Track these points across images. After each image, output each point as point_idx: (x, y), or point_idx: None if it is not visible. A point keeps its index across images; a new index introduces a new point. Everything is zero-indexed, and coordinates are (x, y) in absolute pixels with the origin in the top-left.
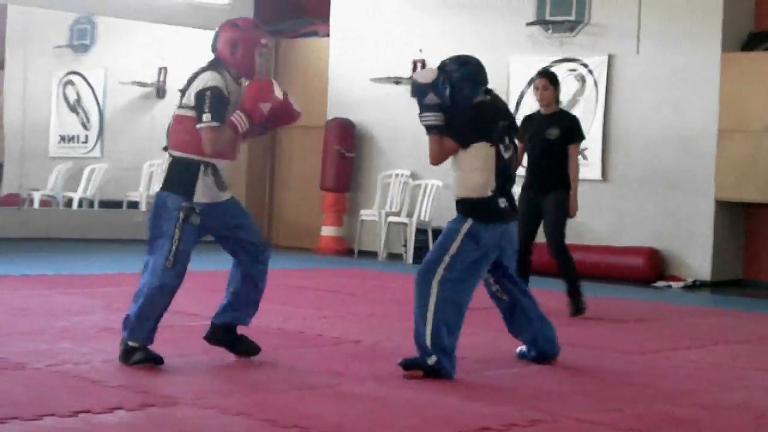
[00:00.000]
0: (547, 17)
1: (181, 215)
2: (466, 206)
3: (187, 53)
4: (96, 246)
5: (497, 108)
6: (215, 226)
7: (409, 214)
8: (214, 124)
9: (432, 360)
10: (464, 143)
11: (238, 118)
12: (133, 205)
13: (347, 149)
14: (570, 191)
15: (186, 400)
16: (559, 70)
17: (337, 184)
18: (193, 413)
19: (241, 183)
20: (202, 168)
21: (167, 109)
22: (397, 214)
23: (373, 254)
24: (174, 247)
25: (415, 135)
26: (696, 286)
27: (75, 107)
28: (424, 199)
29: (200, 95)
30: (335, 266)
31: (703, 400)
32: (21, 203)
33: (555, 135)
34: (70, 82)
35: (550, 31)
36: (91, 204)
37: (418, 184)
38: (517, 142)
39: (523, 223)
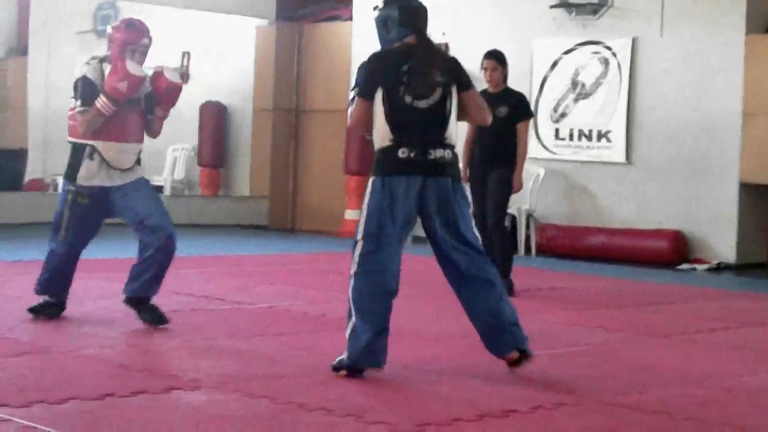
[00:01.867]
0: (571, 0)
1: (69, 197)
2: (374, 163)
3: (209, 38)
4: (120, 230)
5: (406, 50)
6: (115, 210)
7: None
8: (81, 108)
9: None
10: (364, 95)
11: (100, 100)
12: (158, 189)
13: (370, 132)
14: (515, 168)
15: (209, 384)
16: (583, 53)
17: (360, 167)
18: (217, 397)
19: (264, 168)
20: (86, 151)
21: (190, 94)
22: None
23: None
24: (63, 227)
25: None
26: (720, 268)
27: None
28: None
29: (74, 85)
30: None
31: (728, 383)
32: (45, 188)
33: (504, 113)
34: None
35: (573, 14)
36: None
37: None
38: (446, 90)
39: (476, 200)
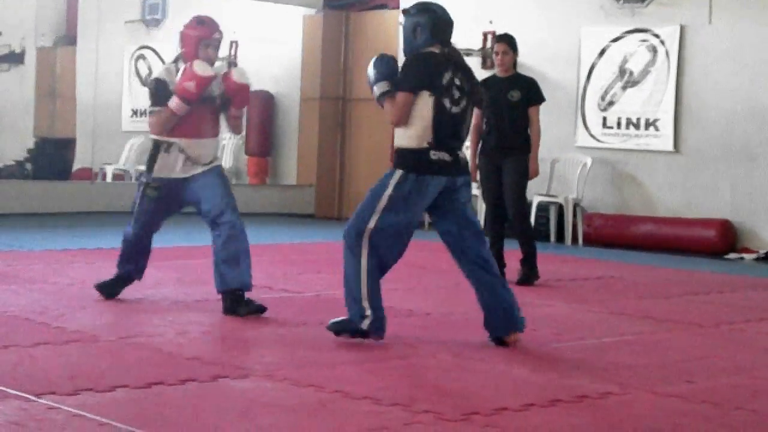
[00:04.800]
0: None
1: (142, 188)
2: (399, 157)
3: (257, 27)
4: (168, 219)
5: (446, 59)
6: (184, 200)
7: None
8: (152, 109)
9: (365, 323)
10: (410, 89)
11: (173, 101)
12: None
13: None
14: (530, 154)
15: (257, 372)
16: (631, 41)
17: None
18: (265, 385)
19: (311, 156)
20: (163, 146)
21: None
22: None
23: None
24: (135, 211)
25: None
26: None
27: (147, 82)
28: None
29: (148, 87)
30: None
31: None
32: (94, 177)
33: (517, 97)
34: (142, 57)
35: (621, 2)
36: None
37: None
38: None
39: (486, 186)
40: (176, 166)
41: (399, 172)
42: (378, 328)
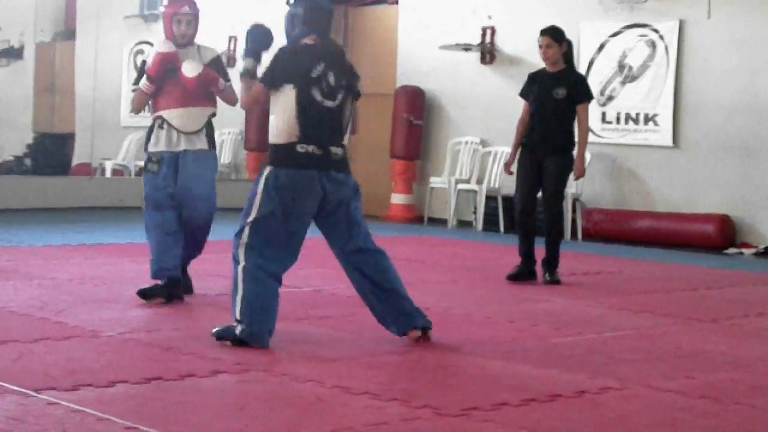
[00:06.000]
0: None
1: (143, 164)
2: (269, 153)
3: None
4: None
5: (320, 51)
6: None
7: (479, 181)
8: (133, 88)
9: (239, 330)
10: (267, 83)
11: (143, 80)
12: None
13: (416, 117)
14: (576, 153)
15: (257, 367)
16: (630, 36)
17: (406, 151)
18: (264, 380)
19: None
20: (156, 121)
21: (237, 78)
22: (467, 181)
23: (443, 222)
24: (144, 195)
25: (485, 102)
26: None
27: None
28: (493, 166)
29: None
30: (405, 234)
31: None
32: (93, 172)
33: (562, 94)
34: (141, 52)
35: None
36: None
37: (488, 151)
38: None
39: (522, 180)
40: (169, 140)
41: (268, 168)
42: (252, 334)
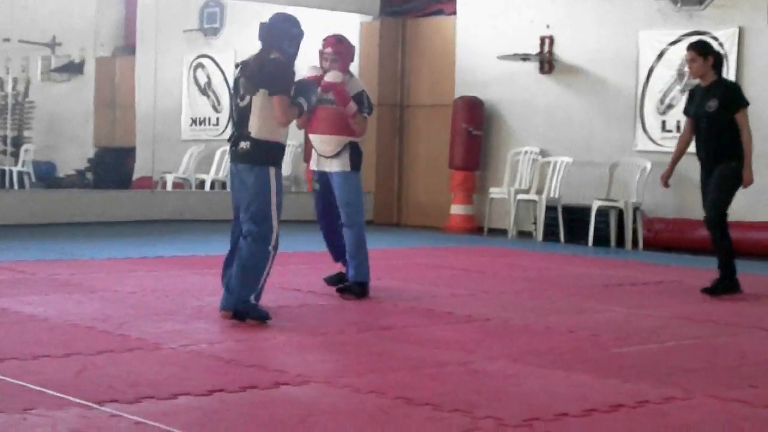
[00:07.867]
0: None
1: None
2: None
3: (315, 34)
4: (229, 227)
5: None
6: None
7: (539, 192)
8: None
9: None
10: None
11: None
12: None
13: (475, 127)
14: (744, 162)
15: (318, 379)
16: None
17: (465, 162)
18: (325, 392)
19: (370, 163)
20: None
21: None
22: (527, 191)
23: (502, 232)
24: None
25: (545, 112)
26: None
27: (206, 90)
28: (553, 176)
29: None
30: (465, 245)
31: None
32: (154, 186)
33: (714, 106)
34: (201, 66)
35: (679, 5)
36: (223, 185)
37: (548, 161)
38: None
39: (703, 193)
40: (315, 160)
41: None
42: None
